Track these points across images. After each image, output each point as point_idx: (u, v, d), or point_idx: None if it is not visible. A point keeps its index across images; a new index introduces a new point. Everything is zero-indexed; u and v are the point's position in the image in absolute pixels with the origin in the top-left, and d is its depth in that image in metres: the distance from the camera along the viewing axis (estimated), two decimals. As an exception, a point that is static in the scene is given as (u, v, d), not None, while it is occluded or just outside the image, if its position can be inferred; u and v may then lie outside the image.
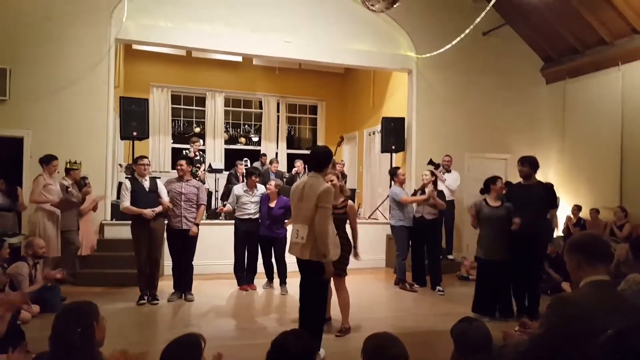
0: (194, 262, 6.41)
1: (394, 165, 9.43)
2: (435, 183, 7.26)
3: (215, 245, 7.68)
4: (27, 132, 7.30)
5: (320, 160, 4.09)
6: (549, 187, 5.89)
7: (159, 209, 5.96)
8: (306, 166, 4.30)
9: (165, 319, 5.57)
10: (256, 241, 6.92)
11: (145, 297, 6.01)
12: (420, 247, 7.33)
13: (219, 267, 7.68)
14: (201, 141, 9.61)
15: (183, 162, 6.27)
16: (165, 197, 6.09)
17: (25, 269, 5.28)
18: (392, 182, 7.54)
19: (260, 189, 6.98)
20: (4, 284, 4.98)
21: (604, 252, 2.23)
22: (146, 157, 6.25)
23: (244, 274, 6.94)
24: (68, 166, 6.79)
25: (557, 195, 8.41)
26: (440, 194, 7.26)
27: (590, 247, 2.23)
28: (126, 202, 5.89)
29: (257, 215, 6.87)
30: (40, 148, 7.20)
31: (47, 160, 6.38)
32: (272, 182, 6.93)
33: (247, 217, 6.83)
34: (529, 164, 5.73)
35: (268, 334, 4.78)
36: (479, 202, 5.84)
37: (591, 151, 9.14)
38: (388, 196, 7.66)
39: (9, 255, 5.36)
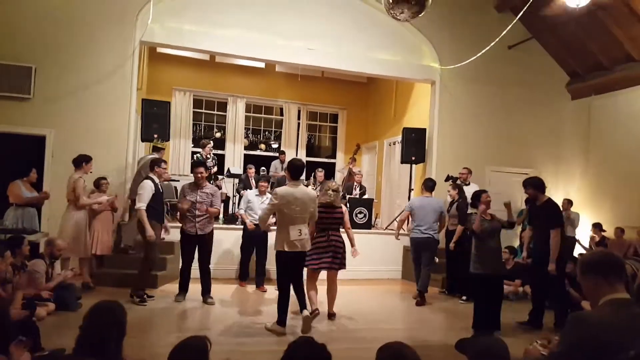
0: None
1: (412, 176, 9.38)
2: (460, 191, 7.50)
3: (228, 249, 7.75)
4: (49, 131, 7.37)
5: (299, 170, 5.11)
6: (549, 206, 5.81)
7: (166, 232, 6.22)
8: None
9: (177, 320, 5.54)
10: (265, 245, 7.18)
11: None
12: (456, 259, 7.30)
13: (232, 271, 7.77)
14: (212, 143, 9.61)
15: (202, 169, 6.25)
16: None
17: (42, 267, 5.32)
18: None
19: (268, 196, 7.11)
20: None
21: (619, 268, 2.15)
22: (165, 161, 6.35)
23: (246, 274, 7.35)
24: (154, 143, 7.46)
25: (570, 212, 8.66)
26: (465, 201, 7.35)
27: (605, 265, 2.15)
28: (144, 205, 5.79)
29: None
30: (62, 147, 7.31)
31: (87, 160, 6.47)
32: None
33: (256, 222, 6.90)
34: (531, 187, 5.86)
35: (279, 340, 4.75)
36: (476, 215, 5.78)
37: (616, 169, 8.92)
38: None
39: (28, 251, 5.41)
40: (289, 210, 4.92)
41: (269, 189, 7.35)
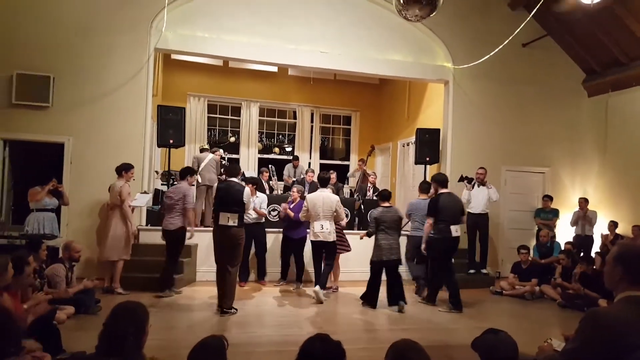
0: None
1: (426, 177, 9.30)
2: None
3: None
4: (68, 138, 7.51)
5: (324, 181, 6.91)
6: (431, 199, 6.84)
7: None
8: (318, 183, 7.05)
9: (192, 324, 5.58)
10: (263, 244, 7.66)
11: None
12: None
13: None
14: (221, 150, 9.56)
15: None
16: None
17: (62, 271, 5.42)
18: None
19: (261, 196, 7.66)
20: (42, 284, 5.12)
21: None
22: None
23: (246, 273, 7.63)
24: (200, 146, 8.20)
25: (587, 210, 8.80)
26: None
27: (630, 260, 2.06)
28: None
29: (262, 220, 7.56)
30: (80, 154, 7.47)
31: (127, 168, 6.70)
32: (295, 189, 7.76)
33: (250, 221, 7.18)
34: (434, 181, 6.96)
35: (294, 340, 4.73)
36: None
37: (634, 166, 8.75)
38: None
39: (46, 256, 5.51)
40: (314, 210, 6.58)
41: (257, 193, 7.58)
